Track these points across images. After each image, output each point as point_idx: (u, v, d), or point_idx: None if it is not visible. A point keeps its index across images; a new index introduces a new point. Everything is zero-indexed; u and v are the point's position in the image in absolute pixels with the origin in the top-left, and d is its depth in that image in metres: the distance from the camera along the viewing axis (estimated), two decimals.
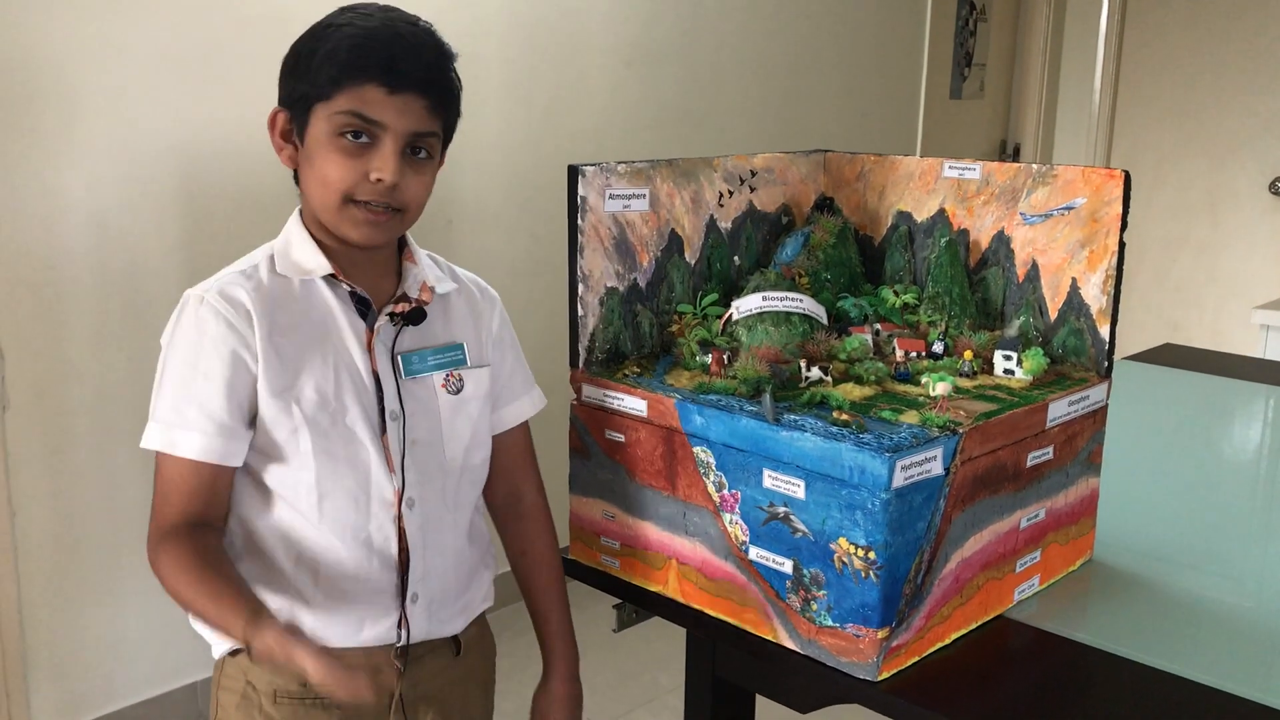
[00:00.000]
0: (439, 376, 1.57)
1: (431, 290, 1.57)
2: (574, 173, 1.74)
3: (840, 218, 2.05)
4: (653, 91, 3.95)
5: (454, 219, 3.44)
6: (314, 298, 1.48)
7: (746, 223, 2.00)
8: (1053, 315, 1.87)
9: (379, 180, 1.41)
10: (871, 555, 1.47)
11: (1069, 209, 1.84)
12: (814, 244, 1.97)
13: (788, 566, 1.57)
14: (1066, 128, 5.94)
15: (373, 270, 1.53)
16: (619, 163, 1.79)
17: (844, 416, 1.54)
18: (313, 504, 1.47)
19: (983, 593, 1.66)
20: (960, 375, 1.76)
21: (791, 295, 1.83)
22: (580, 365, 1.80)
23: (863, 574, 1.49)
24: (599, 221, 1.78)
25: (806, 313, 1.82)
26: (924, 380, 1.62)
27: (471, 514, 1.67)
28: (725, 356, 1.73)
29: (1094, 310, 1.82)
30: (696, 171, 1.91)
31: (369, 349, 1.50)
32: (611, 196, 1.78)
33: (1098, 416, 1.83)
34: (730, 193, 1.96)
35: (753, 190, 2.00)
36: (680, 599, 1.72)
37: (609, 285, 1.80)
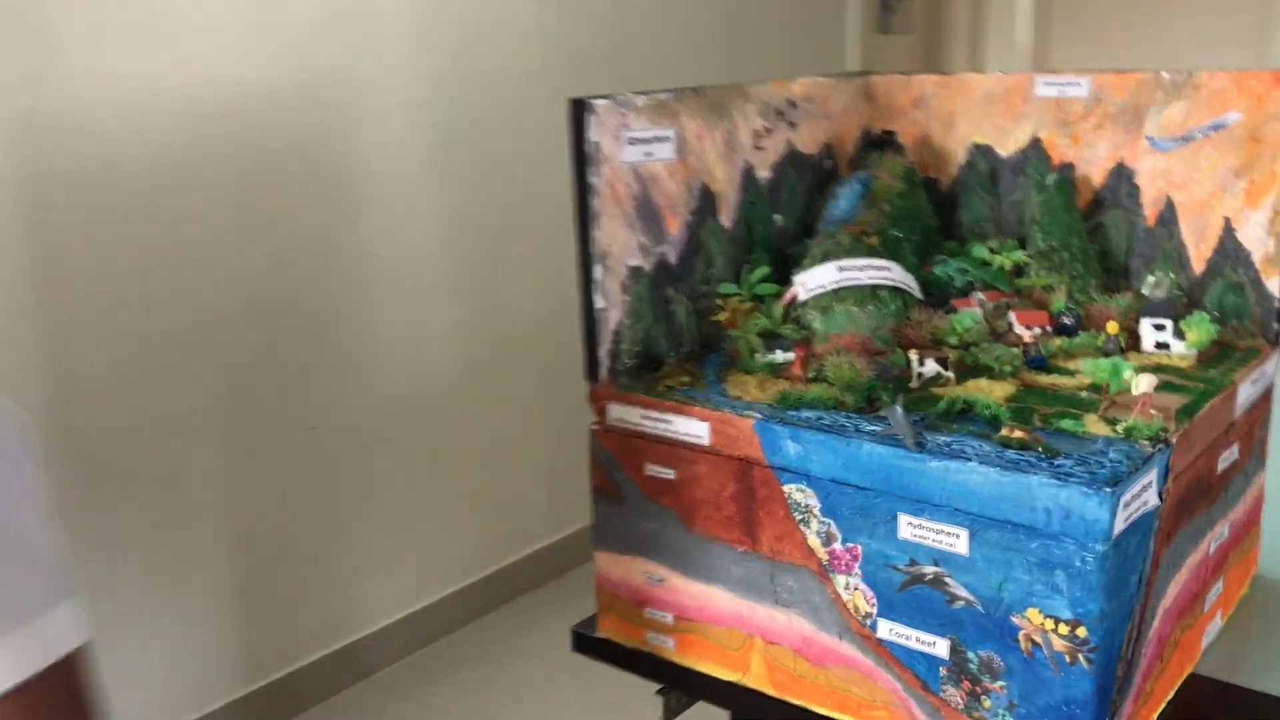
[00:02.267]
0: None
1: None
2: (580, 109, 1.24)
3: (904, 156, 1.59)
4: (572, 26, 3.43)
5: (359, 190, 2.89)
6: None
7: (787, 170, 1.53)
8: (1199, 268, 1.44)
9: None
10: (1081, 632, 1.03)
11: (1218, 128, 1.41)
12: (878, 193, 1.51)
13: (941, 648, 1.11)
14: (997, 63, 5.59)
15: None
16: (638, 94, 1.29)
17: (1018, 433, 1.08)
18: None
19: (1179, 649, 1.23)
20: (1105, 355, 1.32)
21: (875, 262, 1.36)
22: (602, 376, 1.31)
23: (1067, 658, 1.04)
24: (616, 177, 1.28)
25: (897, 284, 1.36)
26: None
27: None
28: (807, 354, 1.25)
29: (1257, 258, 1.40)
30: (728, 104, 1.42)
31: None
32: (630, 141, 1.29)
33: (1268, 396, 1.41)
34: (767, 130, 1.48)
35: (792, 126, 1.52)
36: (770, 691, 1.25)
37: (632, 264, 1.31)
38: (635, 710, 2.55)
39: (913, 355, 1.25)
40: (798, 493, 1.17)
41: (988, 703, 1.09)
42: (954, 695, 1.12)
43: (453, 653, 2.90)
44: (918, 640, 1.13)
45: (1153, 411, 1.15)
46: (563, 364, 3.18)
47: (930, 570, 1.10)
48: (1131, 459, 1.04)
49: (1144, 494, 1.05)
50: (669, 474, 1.27)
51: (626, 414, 1.28)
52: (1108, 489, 0.99)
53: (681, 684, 1.33)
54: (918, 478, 1.09)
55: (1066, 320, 1.37)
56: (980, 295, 1.42)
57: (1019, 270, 1.47)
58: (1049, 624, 1.04)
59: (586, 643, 1.40)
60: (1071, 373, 1.28)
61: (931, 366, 1.25)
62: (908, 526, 1.11)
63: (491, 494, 3.09)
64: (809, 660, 1.21)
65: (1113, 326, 1.34)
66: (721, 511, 1.24)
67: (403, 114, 2.77)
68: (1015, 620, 1.06)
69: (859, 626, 1.17)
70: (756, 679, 1.26)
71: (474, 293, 2.99)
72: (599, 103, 1.25)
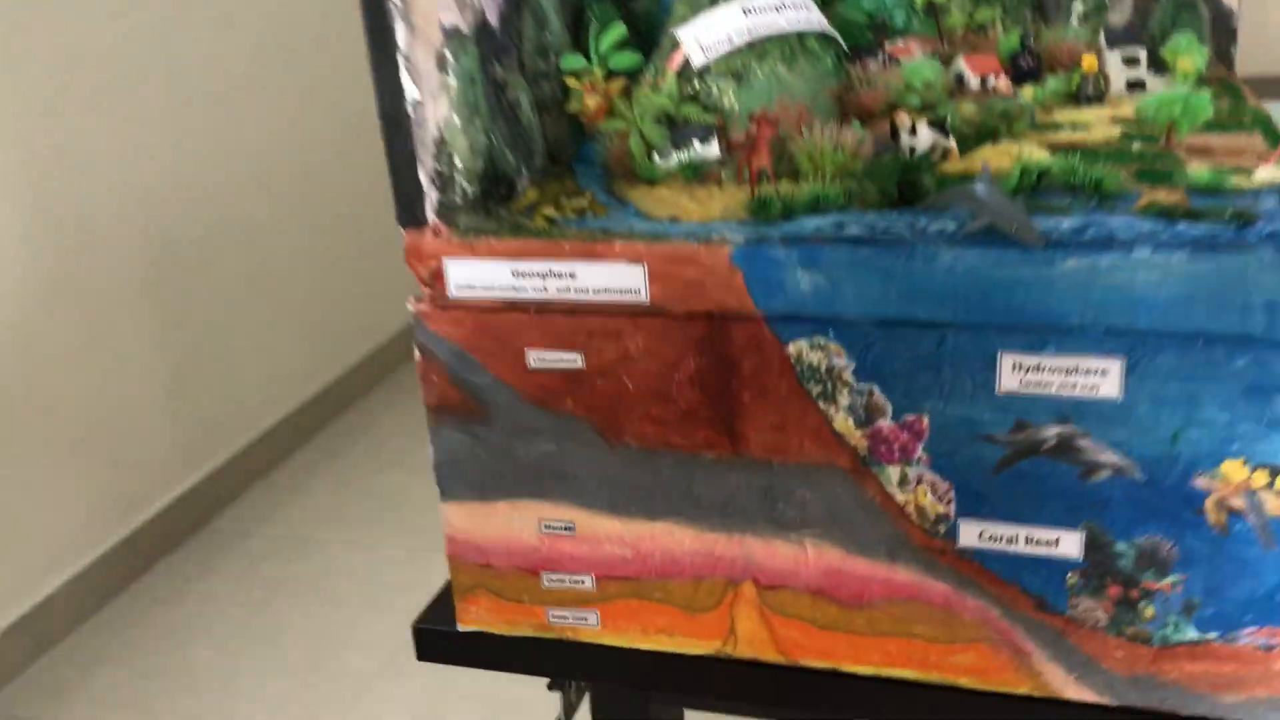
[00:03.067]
0: None
1: None
2: None
3: None
4: None
5: None
6: None
7: None
8: None
9: None
10: None
11: None
12: None
13: (1071, 545, 0.73)
14: None
15: None
16: None
17: (1172, 196, 0.69)
18: None
19: None
20: (1086, 100, 0.97)
21: (790, 0, 0.91)
22: (431, 217, 0.78)
23: None
24: None
25: (823, 31, 0.92)
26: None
27: None
28: (772, 133, 0.79)
29: None
30: None
31: None
32: None
33: None
34: None
35: None
36: (774, 657, 0.82)
37: (448, 23, 0.78)
38: (345, 667, 2.03)
39: (901, 121, 0.83)
40: (813, 352, 0.73)
41: (1150, 610, 0.73)
42: (1092, 610, 0.74)
43: (84, 653, 2.22)
44: (1029, 540, 0.74)
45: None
46: (168, 250, 2.48)
47: (1053, 432, 0.71)
48: None
49: None
50: (573, 361, 0.78)
51: (484, 274, 0.77)
52: None
53: (617, 674, 0.87)
54: (1040, 291, 0.68)
55: (1024, 63, 1.00)
56: (899, 41, 1.02)
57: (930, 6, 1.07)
58: (1260, 478, 0.68)
59: (441, 644, 0.90)
60: (1079, 125, 0.91)
61: (925, 135, 0.83)
62: (1014, 372, 0.70)
63: (94, 452, 2.38)
64: (841, 601, 0.79)
65: (1089, 62, 0.98)
66: (673, 405, 0.77)
67: None
68: (1200, 483, 0.69)
69: (925, 538, 0.76)
70: (749, 644, 0.82)
71: (29, 180, 2.22)
72: None
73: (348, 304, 3.01)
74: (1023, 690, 0.78)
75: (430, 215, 0.78)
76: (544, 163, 0.87)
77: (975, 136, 0.86)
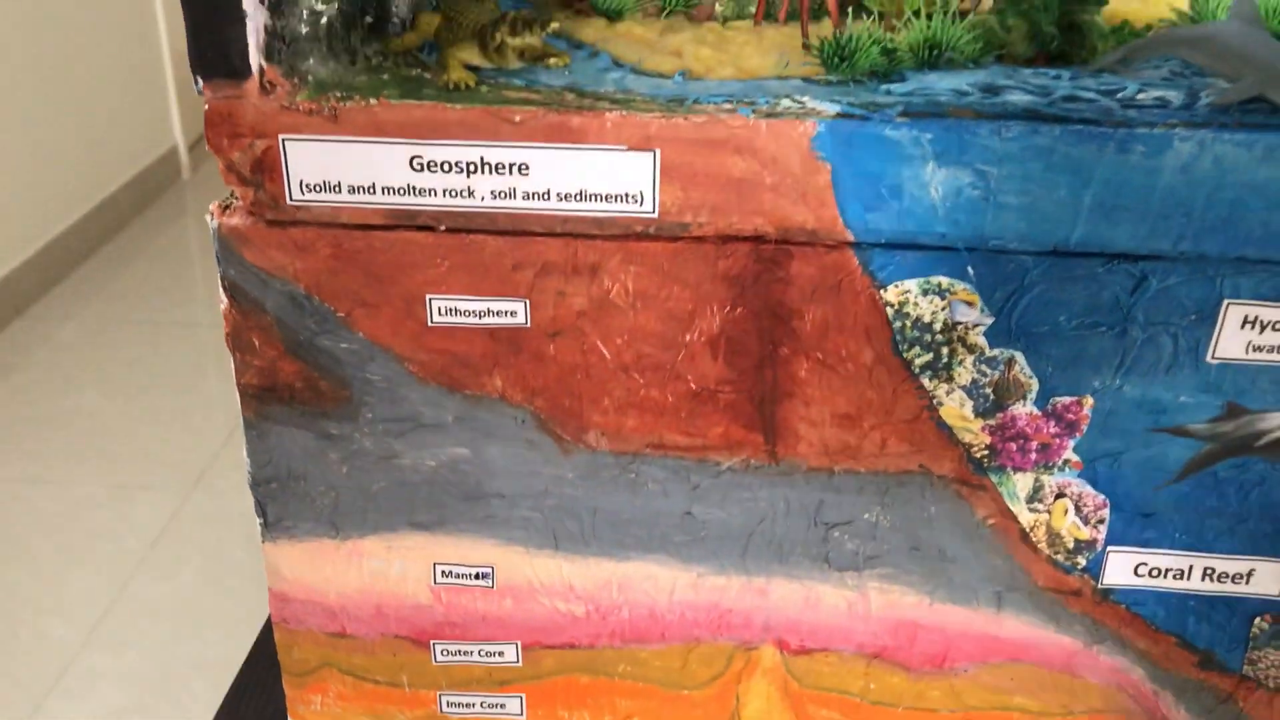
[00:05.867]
0: None
1: None
2: None
3: None
4: None
5: None
6: None
7: None
8: None
9: None
10: None
11: None
12: None
13: (1268, 580, 0.50)
14: None
15: None
16: None
17: None
18: None
19: None
20: None
21: None
22: (257, 61, 0.43)
23: None
24: None
25: None
26: None
27: None
28: None
29: None
30: None
31: None
32: None
33: None
34: None
35: None
36: None
37: None
38: (42, 637, 1.60)
39: None
40: (926, 299, 0.45)
41: None
42: (1276, 665, 0.51)
43: None
44: (1208, 574, 0.50)
45: None
46: None
47: (1278, 423, 0.46)
48: None
49: None
50: (511, 315, 0.46)
51: (356, 165, 0.44)
52: None
53: None
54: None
55: None
56: None
57: None
58: None
59: None
60: None
61: None
62: (1243, 331, 0.45)
63: None
64: (910, 668, 0.53)
65: None
66: (679, 384, 0.47)
67: None
68: None
69: (1054, 574, 0.50)
70: None
71: None
72: None
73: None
74: None
75: (255, 58, 0.43)
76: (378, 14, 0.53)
77: None
